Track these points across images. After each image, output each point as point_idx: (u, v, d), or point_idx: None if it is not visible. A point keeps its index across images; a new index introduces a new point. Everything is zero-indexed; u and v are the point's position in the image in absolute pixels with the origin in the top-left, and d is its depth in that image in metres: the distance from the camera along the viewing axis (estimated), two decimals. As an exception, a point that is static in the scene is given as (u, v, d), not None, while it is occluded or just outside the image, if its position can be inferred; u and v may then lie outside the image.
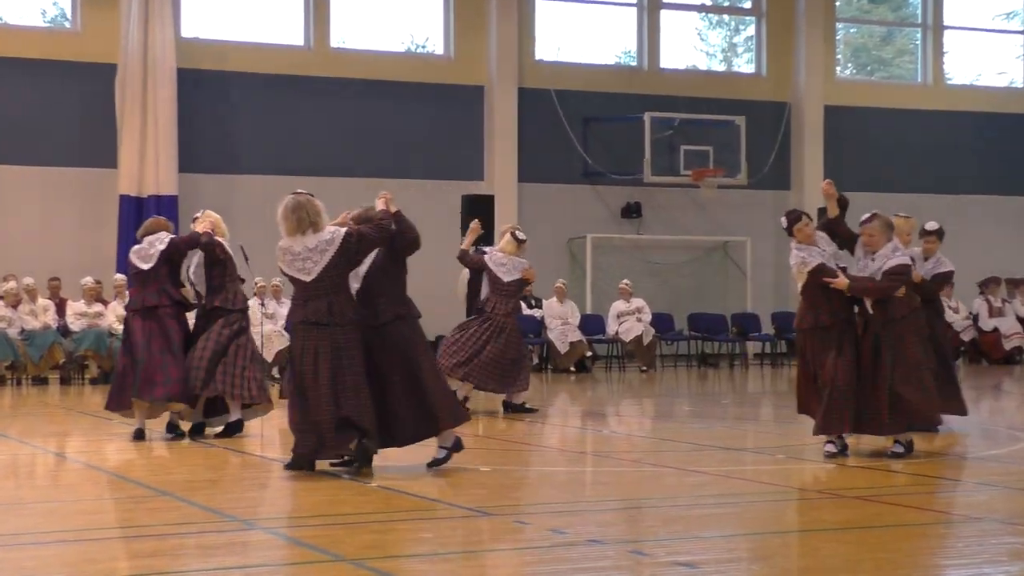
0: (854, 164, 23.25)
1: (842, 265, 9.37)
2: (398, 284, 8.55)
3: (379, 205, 8.46)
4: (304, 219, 8.25)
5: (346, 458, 8.37)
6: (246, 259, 10.82)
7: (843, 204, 9.43)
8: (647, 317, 20.32)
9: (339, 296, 8.21)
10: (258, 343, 15.29)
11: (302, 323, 8.18)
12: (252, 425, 10.81)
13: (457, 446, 8.56)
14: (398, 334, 8.37)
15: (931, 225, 11.44)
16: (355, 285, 8.38)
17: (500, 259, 12.63)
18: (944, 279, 11.12)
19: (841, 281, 9.05)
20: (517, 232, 12.81)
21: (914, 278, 9.65)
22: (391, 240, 8.39)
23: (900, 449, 9.14)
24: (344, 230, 8.26)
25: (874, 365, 9.04)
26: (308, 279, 8.12)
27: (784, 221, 9.53)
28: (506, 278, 12.54)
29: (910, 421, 9.11)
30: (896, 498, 7.54)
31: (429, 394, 8.30)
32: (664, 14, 22.99)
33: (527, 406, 12.64)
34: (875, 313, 9.10)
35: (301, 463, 8.17)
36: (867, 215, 9.31)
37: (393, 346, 8.33)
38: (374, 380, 8.18)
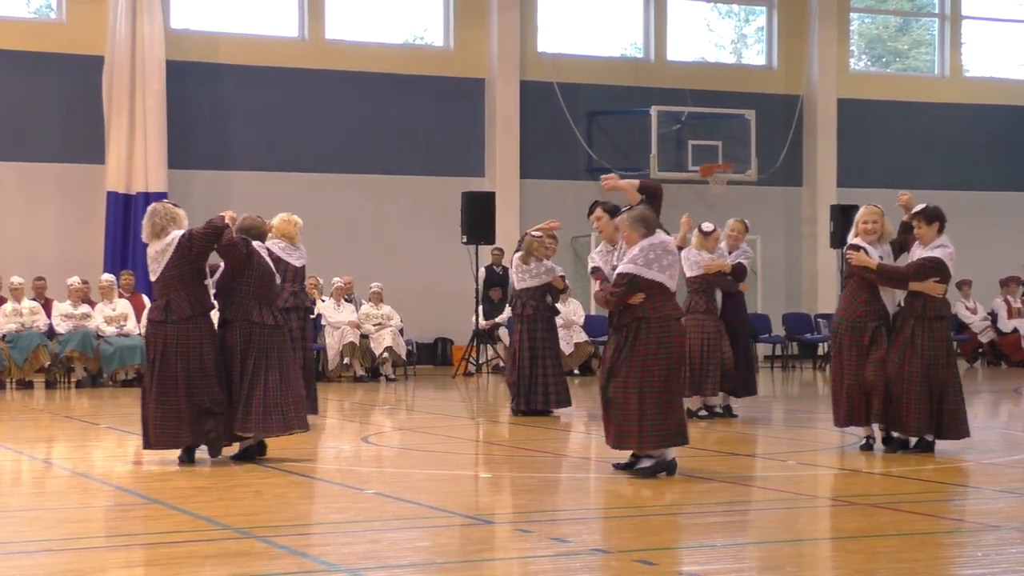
0: (868, 159, 23.37)
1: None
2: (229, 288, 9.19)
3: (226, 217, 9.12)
4: (156, 224, 8.97)
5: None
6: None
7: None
8: (654, 318, 19.81)
9: (178, 294, 8.90)
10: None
11: (148, 322, 9.13)
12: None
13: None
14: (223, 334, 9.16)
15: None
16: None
17: (687, 254, 12.35)
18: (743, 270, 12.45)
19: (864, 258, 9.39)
20: (703, 225, 12.58)
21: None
22: (230, 243, 9.00)
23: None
24: (181, 232, 8.94)
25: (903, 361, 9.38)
26: (153, 279, 8.97)
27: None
28: (689, 273, 12.31)
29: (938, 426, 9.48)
30: (911, 506, 7.48)
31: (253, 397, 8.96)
32: (671, 4, 22.85)
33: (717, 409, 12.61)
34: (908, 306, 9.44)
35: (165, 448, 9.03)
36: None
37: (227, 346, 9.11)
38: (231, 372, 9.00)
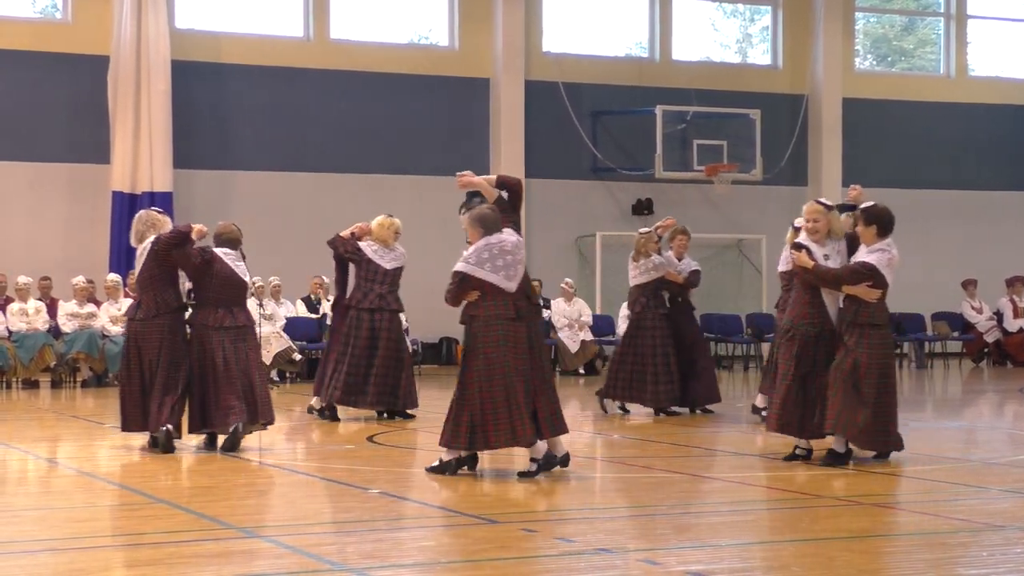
0: (874, 159, 23.28)
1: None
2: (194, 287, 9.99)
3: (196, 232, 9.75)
4: (139, 230, 9.82)
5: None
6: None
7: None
8: (659, 317, 19.82)
9: (148, 294, 9.72)
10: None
11: (126, 319, 9.93)
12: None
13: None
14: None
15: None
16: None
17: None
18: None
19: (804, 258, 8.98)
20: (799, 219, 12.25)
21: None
22: (183, 252, 9.72)
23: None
24: (155, 236, 9.64)
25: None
26: (132, 281, 10.04)
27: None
28: (782, 268, 12.02)
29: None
30: (916, 505, 7.48)
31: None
32: (676, 3, 22.82)
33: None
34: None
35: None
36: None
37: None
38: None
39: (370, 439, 11.02)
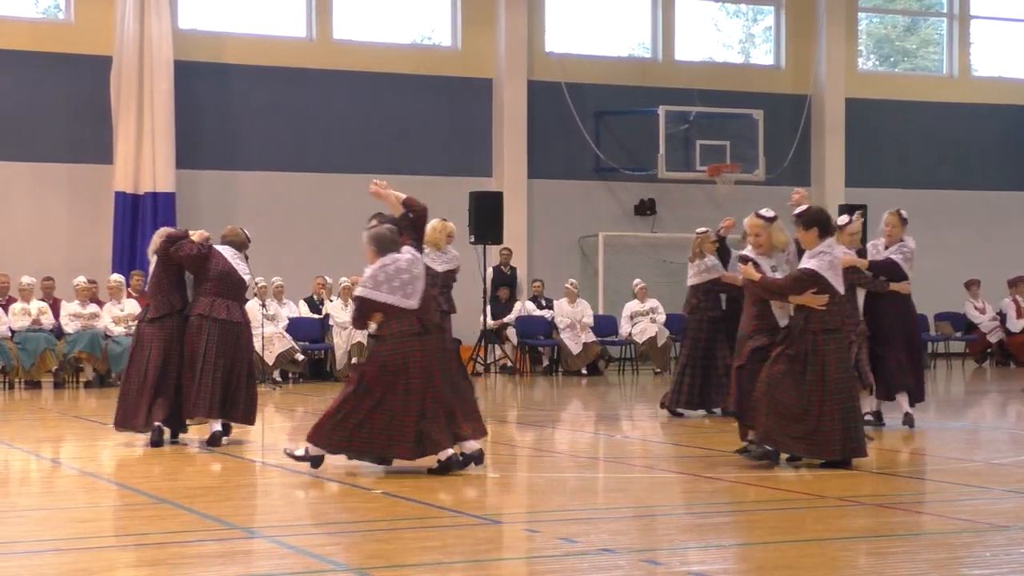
0: (877, 159, 23.19)
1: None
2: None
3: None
4: (154, 242, 10.33)
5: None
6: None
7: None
8: (661, 318, 19.96)
9: (156, 298, 10.24)
10: (258, 346, 15.13)
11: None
12: (254, 432, 10.85)
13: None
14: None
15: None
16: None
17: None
18: None
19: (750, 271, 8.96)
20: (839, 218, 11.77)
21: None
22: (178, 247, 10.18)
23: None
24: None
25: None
26: (135, 282, 10.64)
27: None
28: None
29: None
30: (919, 506, 7.52)
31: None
32: (679, 4, 22.76)
33: None
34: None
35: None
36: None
37: None
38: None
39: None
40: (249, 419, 10.26)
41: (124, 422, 10.22)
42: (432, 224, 12.42)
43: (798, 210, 8.93)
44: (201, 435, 10.25)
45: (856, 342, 10.70)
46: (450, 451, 8.42)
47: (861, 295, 11.16)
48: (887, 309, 11.01)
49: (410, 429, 8.30)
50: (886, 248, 11.05)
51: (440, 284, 12.20)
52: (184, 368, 10.05)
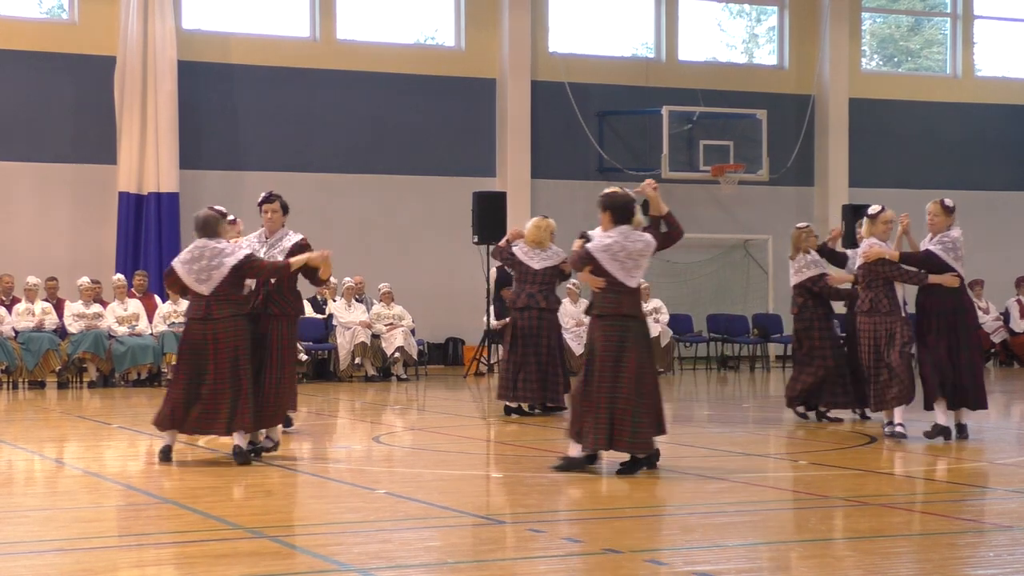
0: (880, 159, 23.22)
1: None
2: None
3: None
4: None
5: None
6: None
7: None
8: (665, 318, 19.97)
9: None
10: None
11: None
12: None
13: None
14: None
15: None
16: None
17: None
18: None
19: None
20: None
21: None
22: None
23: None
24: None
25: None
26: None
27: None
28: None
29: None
30: (924, 506, 7.48)
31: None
32: (682, 4, 22.76)
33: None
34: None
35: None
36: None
37: None
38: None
39: (376, 439, 11.02)
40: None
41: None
42: (534, 222, 12.58)
43: (607, 190, 8.73)
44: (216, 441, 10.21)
45: (901, 342, 10.14)
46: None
47: (902, 289, 10.37)
48: (930, 305, 10.15)
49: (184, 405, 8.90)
50: (931, 241, 10.24)
51: (539, 282, 12.26)
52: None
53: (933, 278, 10.11)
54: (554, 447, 10.69)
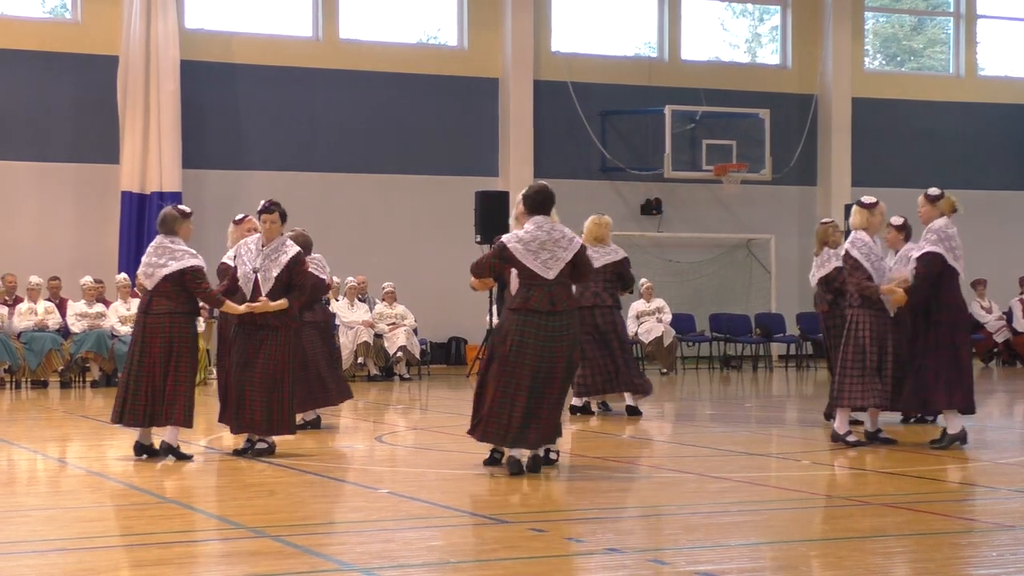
0: (883, 158, 23.20)
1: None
2: None
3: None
4: None
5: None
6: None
7: None
8: (667, 318, 19.95)
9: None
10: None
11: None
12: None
13: None
14: None
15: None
16: None
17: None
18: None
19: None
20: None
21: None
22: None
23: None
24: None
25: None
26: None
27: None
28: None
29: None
30: (926, 505, 7.44)
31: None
32: (685, 3, 22.75)
33: None
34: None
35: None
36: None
37: None
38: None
39: (379, 439, 11.03)
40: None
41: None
42: (592, 219, 12.52)
43: (533, 184, 8.54)
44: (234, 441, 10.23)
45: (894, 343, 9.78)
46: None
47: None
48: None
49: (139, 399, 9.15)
50: (924, 239, 9.95)
51: (602, 279, 12.25)
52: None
53: (884, 289, 9.70)
54: (555, 446, 10.68)
